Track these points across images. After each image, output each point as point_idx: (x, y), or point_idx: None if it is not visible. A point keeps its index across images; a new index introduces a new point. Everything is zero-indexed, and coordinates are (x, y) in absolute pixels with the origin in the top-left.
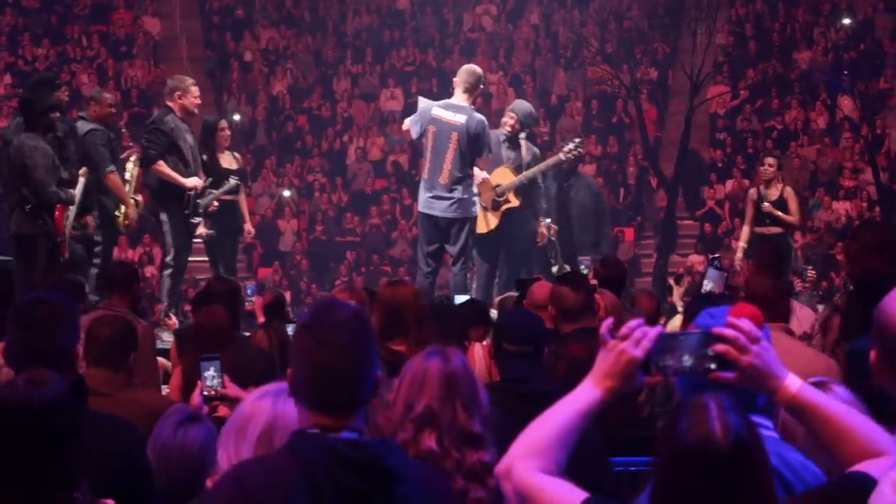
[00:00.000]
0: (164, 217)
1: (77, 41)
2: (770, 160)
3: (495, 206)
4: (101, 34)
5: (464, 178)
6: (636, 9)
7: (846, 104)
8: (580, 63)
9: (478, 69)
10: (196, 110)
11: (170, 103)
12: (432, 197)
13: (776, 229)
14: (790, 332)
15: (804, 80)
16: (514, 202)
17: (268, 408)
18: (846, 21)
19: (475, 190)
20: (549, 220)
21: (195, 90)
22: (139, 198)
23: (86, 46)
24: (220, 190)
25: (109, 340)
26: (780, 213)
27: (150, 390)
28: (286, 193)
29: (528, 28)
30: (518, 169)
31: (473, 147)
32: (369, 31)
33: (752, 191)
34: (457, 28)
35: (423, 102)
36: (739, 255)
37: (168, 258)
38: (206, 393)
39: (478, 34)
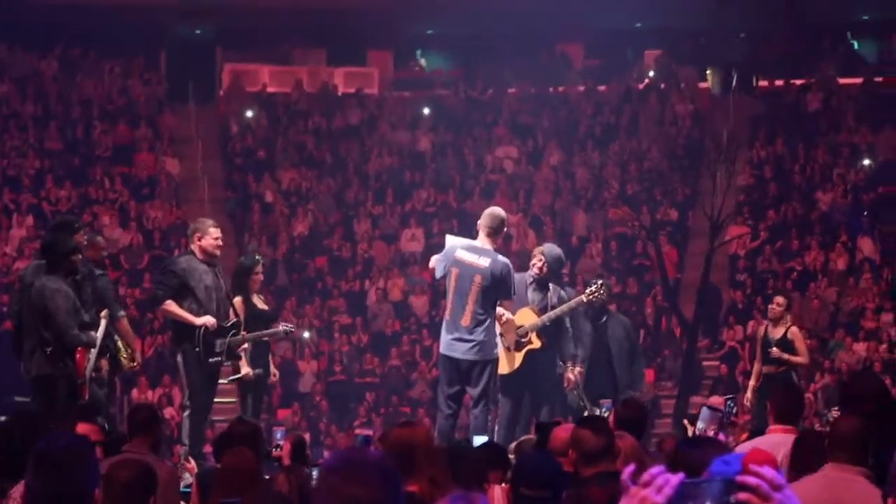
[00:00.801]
0: (179, 358)
1: (99, 183)
2: (779, 299)
3: (518, 347)
4: (124, 176)
5: (486, 321)
6: (656, 150)
7: (866, 245)
8: (600, 204)
9: (501, 212)
10: (217, 252)
11: (191, 245)
12: (454, 339)
13: (783, 368)
14: (870, 478)
15: (824, 221)
16: (536, 343)
17: None
18: (866, 162)
19: (497, 331)
20: (577, 368)
21: (215, 231)
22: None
23: (108, 188)
24: (263, 333)
25: (128, 484)
26: (787, 356)
27: None
28: (306, 335)
29: (549, 169)
30: (543, 311)
31: (498, 290)
32: (390, 173)
33: (761, 328)
34: (477, 169)
35: (450, 241)
36: (748, 394)
37: (185, 399)
38: None
39: (498, 175)
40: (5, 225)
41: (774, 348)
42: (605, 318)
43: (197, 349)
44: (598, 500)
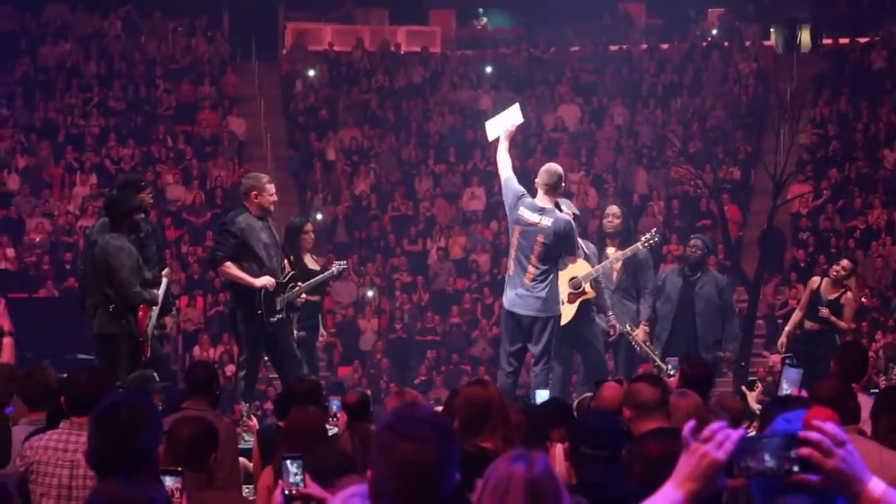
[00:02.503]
0: (239, 316)
1: (162, 141)
2: (845, 262)
3: (572, 299)
4: (187, 134)
5: (549, 277)
6: (719, 109)
7: None
8: (663, 163)
9: (558, 168)
10: (272, 208)
11: (246, 202)
12: (517, 295)
13: (827, 328)
14: (863, 433)
15: (888, 180)
16: (591, 294)
17: None
18: None
19: (558, 290)
20: (641, 325)
21: (271, 187)
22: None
23: (171, 147)
24: (316, 279)
25: (191, 441)
26: (834, 319)
27: (231, 491)
28: (369, 293)
29: (611, 128)
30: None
31: (561, 248)
32: (452, 132)
33: (815, 280)
34: (539, 128)
35: (490, 128)
36: (783, 339)
37: (242, 358)
38: (287, 492)
39: (560, 134)
40: (69, 183)
41: (825, 308)
42: (698, 275)
43: (259, 311)
44: (656, 457)
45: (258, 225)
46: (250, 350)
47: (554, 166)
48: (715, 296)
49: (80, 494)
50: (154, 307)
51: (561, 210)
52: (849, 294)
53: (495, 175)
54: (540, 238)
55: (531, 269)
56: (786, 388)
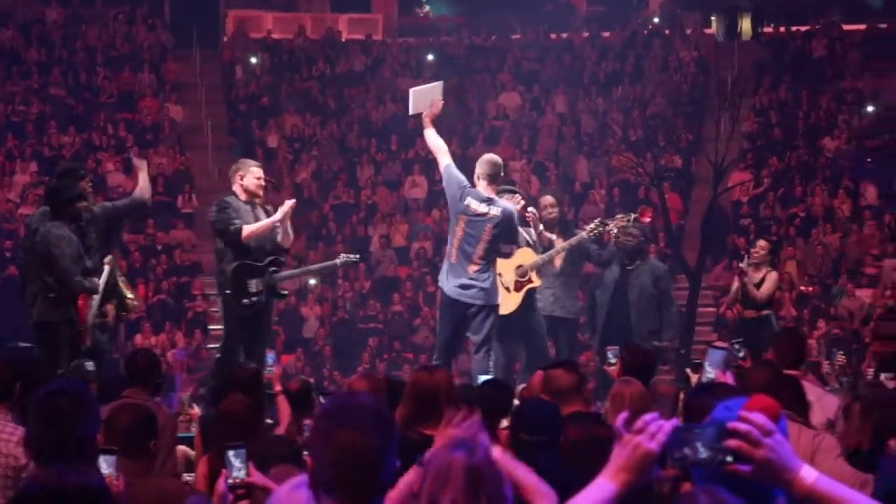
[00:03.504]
0: (219, 303)
1: (103, 129)
2: (762, 243)
3: (518, 287)
4: (127, 122)
5: (490, 268)
6: (660, 96)
7: (870, 192)
8: (604, 151)
9: (498, 158)
10: (259, 191)
11: (233, 187)
12: (460, 285)
13: (765, 312)
14: (792, 418)
15: (829, 167)
16: (536, 282)
17: (304, 498)
18: (870, 109)
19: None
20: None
21: (257, 171)
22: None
23: (111, 134)
24: (313, 267)
25: (128, 429)
26: (752, 290)
27: (171, 478)
28: (311, 281)
29: (553, 116)
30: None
31: (506, 237)
32: (393, 120)
33: (743, 265)
34: (481, 116)
35: (414, 96)
36: None
37: (222, 344)
38: (231, 481)
39: (502, 122)
40: (9, 170)
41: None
42: (636, 264)
43: (227, 292)
44: (577, 441)
45: (244, 208)
46: (226, 332)
47: (493, 156)
48: (650, 285)
49: None
50: (94, 296)
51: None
52: (773, 273)
53: (435, 162)
54: (488, 227)
55: (476, 259)
56: (709, 370)
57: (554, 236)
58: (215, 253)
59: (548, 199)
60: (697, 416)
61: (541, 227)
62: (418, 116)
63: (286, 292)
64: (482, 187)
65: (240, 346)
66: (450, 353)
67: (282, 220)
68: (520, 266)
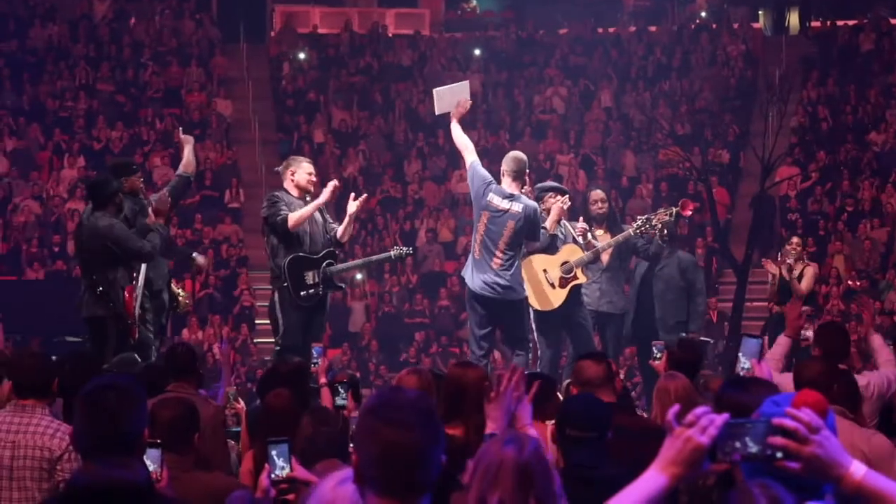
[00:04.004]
0: (275, 297)
1: (150, 124)
2: (795, 240)
3: (563, 283)
4: (175, 117)
5: (514, 263)
6: (707, 90)
7: None
8: (651, 145)
9: (522, 156)
10: (310, 186)
11: (284, 183)
12: (484, 281)
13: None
14: (843, 414)
15: (877, 161)
16: (582, 278)
17: (350, 493)
18: None
19: (523, 273)
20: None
21: (308, 166)
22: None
23: (159, 129)
24: (370, 259)
25: (171, 423)
26: (795, 285)
27: (217, 472)
28: (358, 276)
29: (599, 110)
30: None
31: (529, 233)
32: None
33: (773, 268)
34: (528, 110)
35: (438, 96)
36: None
37: (278, 337)
38: (274, 476)
39: (549, 116)
40: (57, 166)
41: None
42: (665, 261)
43: (285, 284)
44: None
45: (297, 203)
46: (284, 325)
47: (518, 153)
48: (677, 276)
49: (22, 475)
50: (138, 289)
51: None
52: (810, 268)
53: (485, 157)
54: (510, 224)
55: (499, 254)
56: (743, 361)
57: (601, 231)
58: (269, 249)
59: (598, 193)
60: (729, 411)
61: (587, 229)
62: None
63: (343, 285)
64: (506, 184)
65: (299, 338)
66: (483, 348)
67: (326, 203)
68: (565, 262)
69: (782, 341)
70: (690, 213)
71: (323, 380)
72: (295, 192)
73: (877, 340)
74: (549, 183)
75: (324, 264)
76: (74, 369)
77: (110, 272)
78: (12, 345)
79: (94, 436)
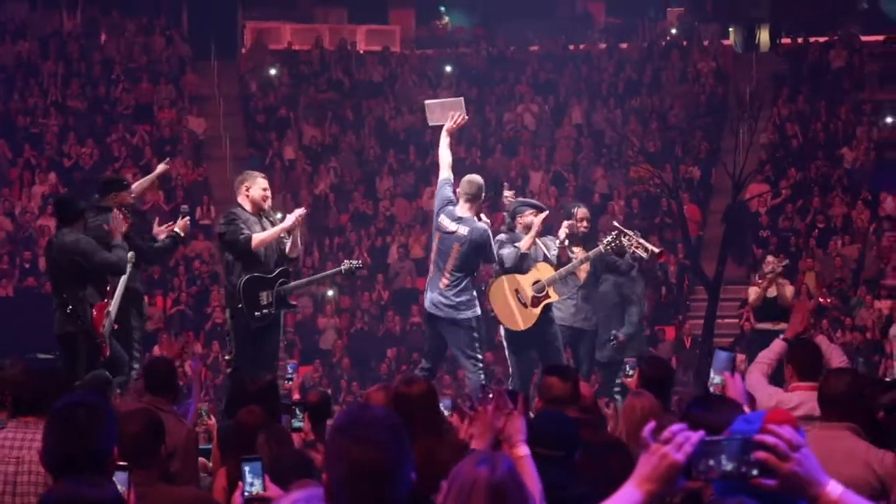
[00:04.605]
0: (227, 316)
1: (121, 140)
2: (770, 259)
3: (535, 303)
4: (146, 133)
5: (461, 283)
6: (678, 107)
7: (889, 203)
8: (622, 162)
9: (479, 179)
10: (265, 203)
11: (238, 198)
12: (432, 298)
13: (781, 324)
14: (858, 433)
15: (847, 177)
16: (554, 297)
17: None
18: (889, 120)
19: (473, 294)
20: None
21: (263, 182)
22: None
23: (130, 146)
24: (319, 275)
25: (137, 437)
26: (782, 297)
27: (188, 486)
28: (329, 293)
29: (570, 127)
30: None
31: (479, 256)
32: (411, 130)
33: (752, 291)
34: (499, 127)
35: (430, 110)
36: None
37: (231, 355)
38: (247, 494)
39: (520, 132)
40: (28, 181)
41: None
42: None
43: (240, 305)
44: None
45: (251, 220)
46: (236, 346)
47: (475, 177)
48: (612, 293)
49: (26, 490)
50: (111, 307)
51: (481, 220)
52: (787, 286)
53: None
54: (455, 246)
55: (446, 274)
56: (714, 375)
57: (578, 249)
58: (224, 266)
59: (583, 211)
60: (698, 429)
61: (565, 240)
62: (439, 127)
63: (296, 304)
64: (460, 206)
65: (251, 360)
66: (433, 361)
67: (291, 229)
68: (537, 281)
69: (778, 345)
70: (664, 260)
71: (296, 396)
72: (249, 208)
73: (823, 343)
74: (528, 199)
75: (277, 283)
76: (32, 386)
77: (79, 289)
78: None
79: (64, 454)
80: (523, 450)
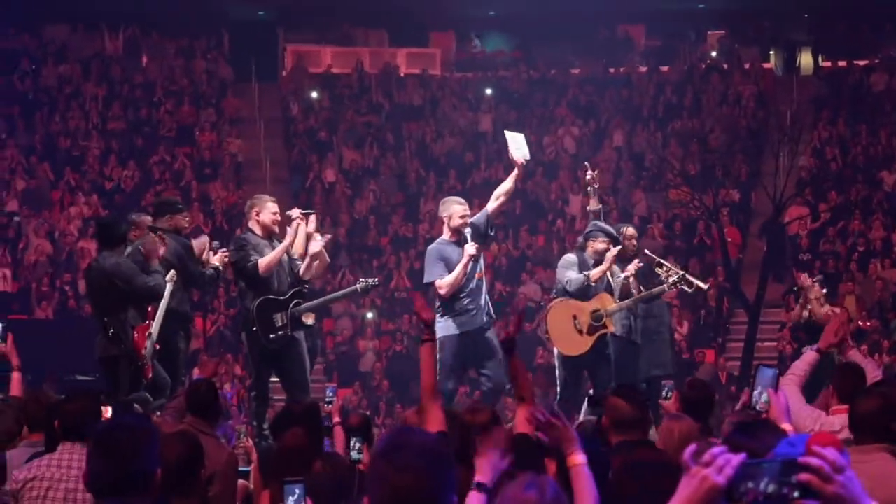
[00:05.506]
0: (243, 337)
1: (162, 162)
2: (816, 288)
3: (591, 331)
4: (186, 155)
5: (435, 304)
6: (718, 130)
7: None
8: (663, 185)
9: (447, 200)
10: (275, 227)
11: (249, 223)
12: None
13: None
14: (893, 452)
15: (888, 200)
16: (611, 328)
17: None
18: None
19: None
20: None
21: (273, 206)
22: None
23: (171, 168)
24: (334, 295)
25: (178, 462)
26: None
27: None
28: (369, 315)
29: (611, 150)
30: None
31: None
32: (452, 153)
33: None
34: (539, 150)
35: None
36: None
37: (252, 379)
38: None
39: (560, 155)
40: (68, 203)
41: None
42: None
43: (254, 328)
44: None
45: (262, 244)
46: (255, 370)
47: (445, 199)
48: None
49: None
50: (152, 329)
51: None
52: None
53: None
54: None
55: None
56: (758, 391)
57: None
58: (238, 292)
59: (631, 230)
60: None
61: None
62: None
63: (311, 322)
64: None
65: (268, 383)
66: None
67: (292, 243)
68: (596, 311)
69: (809, 356)
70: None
71: (336, 419)
72: (260, 232)
73: (857, 357)
74: (604, 225)
75: (291, 305)
76: (79, 411)
77: (121, 312)
78: (24, 385)
79: (107, 477)
80: (580, 457)
